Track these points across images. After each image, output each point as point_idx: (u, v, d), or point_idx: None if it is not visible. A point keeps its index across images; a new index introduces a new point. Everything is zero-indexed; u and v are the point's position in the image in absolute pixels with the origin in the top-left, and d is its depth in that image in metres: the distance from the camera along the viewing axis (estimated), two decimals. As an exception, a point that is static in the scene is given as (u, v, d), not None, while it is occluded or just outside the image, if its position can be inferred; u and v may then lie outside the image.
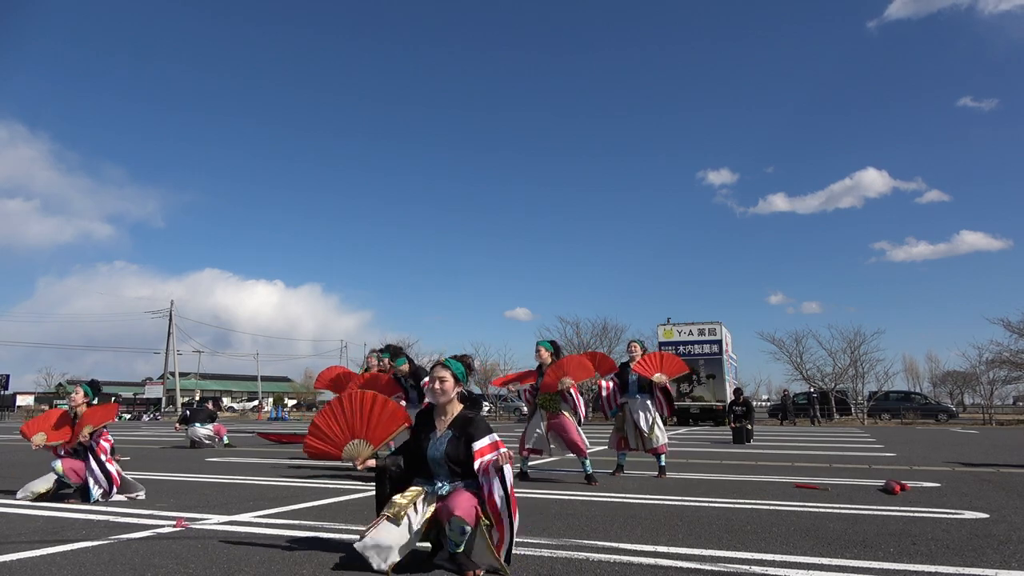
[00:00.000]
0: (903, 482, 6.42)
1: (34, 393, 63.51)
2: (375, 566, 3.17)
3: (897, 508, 5.21)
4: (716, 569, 3.30)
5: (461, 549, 3.24)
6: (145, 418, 45.51)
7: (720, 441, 15.20)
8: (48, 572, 3.33)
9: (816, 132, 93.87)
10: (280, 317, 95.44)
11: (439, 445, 3.45)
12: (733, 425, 14.90)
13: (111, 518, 4.89)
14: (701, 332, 27.63)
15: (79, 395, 6.24)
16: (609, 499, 5.75)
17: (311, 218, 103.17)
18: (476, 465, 3.31)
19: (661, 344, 28.10)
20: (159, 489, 6.63)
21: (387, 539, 3.20)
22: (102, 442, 6.08)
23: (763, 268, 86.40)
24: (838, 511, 5.09)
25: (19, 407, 55.01)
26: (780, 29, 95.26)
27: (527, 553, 3.65)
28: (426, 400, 3.75)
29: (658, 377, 7.41)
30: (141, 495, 6.02)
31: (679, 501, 5.63)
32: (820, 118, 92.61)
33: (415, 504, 3.36)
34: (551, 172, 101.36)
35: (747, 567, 3.34)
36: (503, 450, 3.33)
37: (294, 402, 62.51)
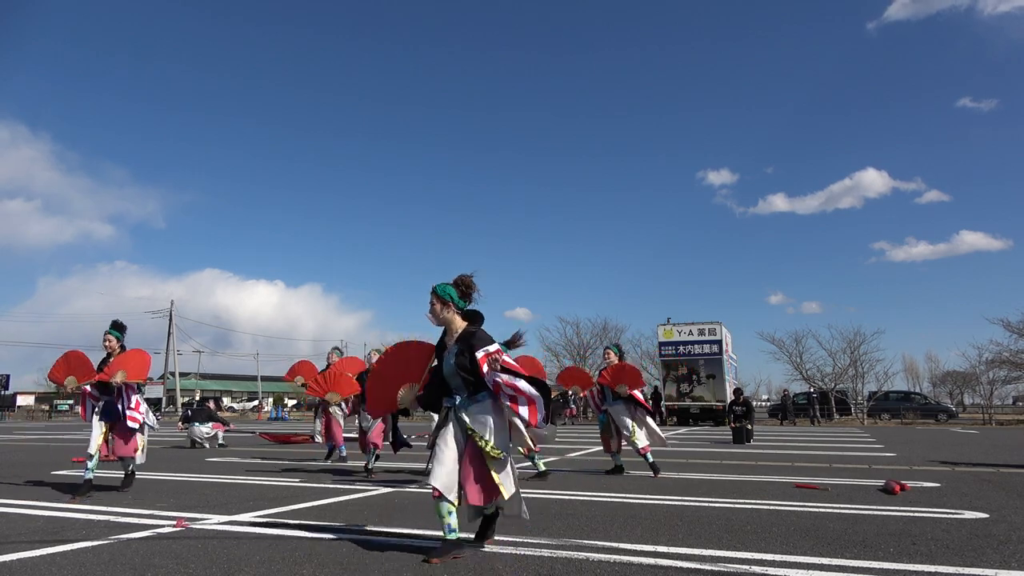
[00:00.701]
0: (903, 482, 6.42)
1: (35, 393, 63.43)
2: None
3: (897, 508, 5.22)
4: (716, 569, 3.30)
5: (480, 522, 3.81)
6: (145, 418, 45.48)
7: (720, 441, 15.20)
8: (48, 572, 3.34)
9: (816, 132, 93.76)
10: (280, 317, 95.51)
11: (450, 359, 3.81)
12: (733, 425, 14.89)
13: (111, 518, 4.90)
14: (701, 332, 27.61)
15: (113, 341, 6.62)
16: (609, 499, 5.75)
17: (311, 218, 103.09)
18: (484, 370, 3.65)
19: (661, 344, 28.10)
20: (159, 489, 6.63)
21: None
22: (135, 398, 6.48)
23: (763, 268, 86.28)
24: (838, 511, 5.09)
25: (19, 407, 55.01)
26: (780, 29, 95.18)
27: (527, 553, 3.65)
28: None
29: (620, 388, 7.66)
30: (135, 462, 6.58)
31: (679, 501, 5.63)
32: (820, 118, 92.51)
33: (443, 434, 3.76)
34: (551, 172, 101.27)
35: (747, 567, 3.34)
36: (498, 356, 3.66)
37: (294, 402, 62.44)
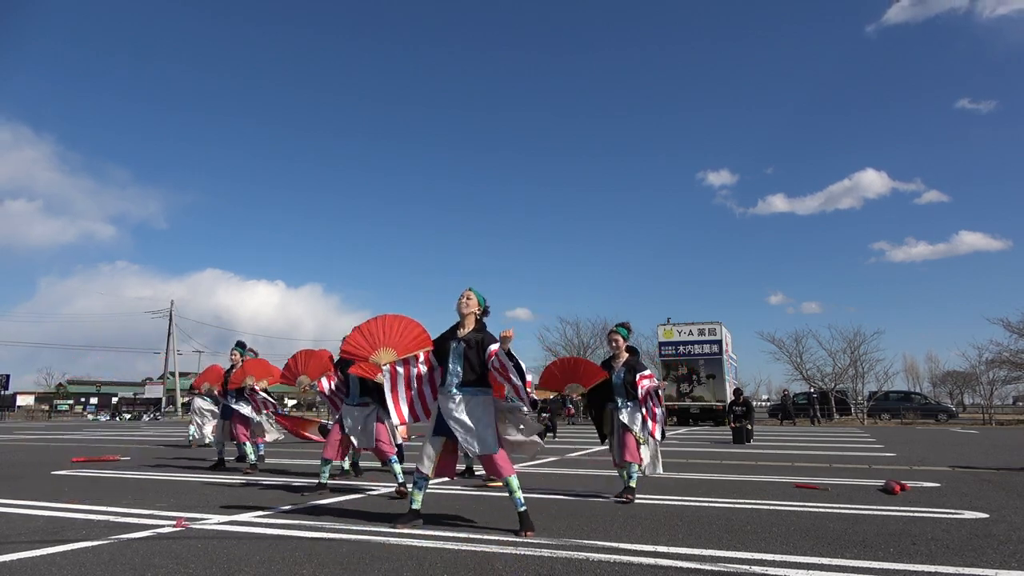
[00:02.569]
0: (903, 482, 6.42)
1: (34, 393, 63.45)
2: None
3: (897, 508, 5.22)
4: (716, 569, 3.30)
5: (633, 483, 5.68)
6: (145, 418, 45.53)
7: (720, 441, 15.20)
8: (48, 572, 3.33)
9: (816, 133, 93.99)
10: (280, 317, 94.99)
11: (619, 376, 5.88)
12: (733, 425, 14.90)
13: (111, 518, 4.89)
14: (701, 332, 27.60)
15: (236, 355, 8.96)
16: (609, 499, 5.75)
17: (311, 218, 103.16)
18: (639, 392, 5.74)
19: (661, 344, 28.08)
20: (159, 489, 6.63)
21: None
22: (259, 396, 8.55)
23: (763, 268, 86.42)
24: (838, 511, 5.09)
25: (19, 407, 55.01)
26: (780, 29, 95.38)
27: (527, 553, 3.65)
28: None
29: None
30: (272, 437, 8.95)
31: (679, 501, 5.63)
32: (820, 119, 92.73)
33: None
34: (551, 172, 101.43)
35: (747, 567, 3.34)
36: (648, 377, 5.90)
37: (294, 402, 62.49)
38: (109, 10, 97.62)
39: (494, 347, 4.42)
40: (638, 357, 6.08)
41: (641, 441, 5.75)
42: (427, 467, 4.50)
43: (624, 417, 5.79)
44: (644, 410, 5.78)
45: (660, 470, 6.03)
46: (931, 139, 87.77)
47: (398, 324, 4.82)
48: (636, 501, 5.62)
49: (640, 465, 5.76)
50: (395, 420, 4.78)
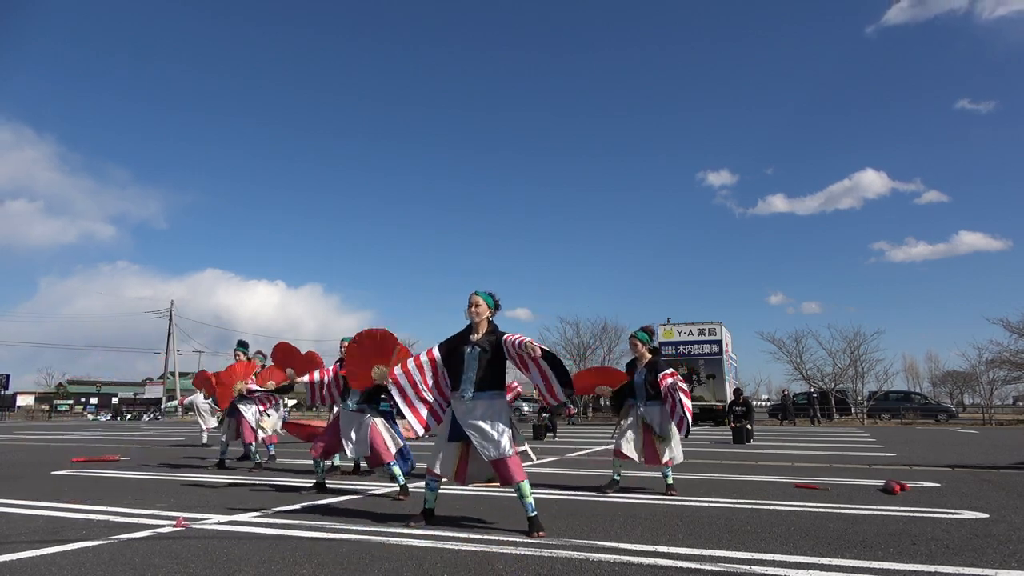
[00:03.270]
0: (903, 482, 6.42)
1: (35, 393, 63.47)
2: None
3: (897, 508, 5.22)
4: (716, 569, 3.30)
5: (670, 480, 6.13)
6: (145, 418, 45.54)
7: (720, 441, 15.20)
8: (48, 572, 3.34)
9: (815, 133, 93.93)
10: (280, 317, 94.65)
11: (641, 375, 6.20)
12: (733, 425, 14.90)
13: (111, 518, 4.89)
14: (701, 332, 27.59)
15: (240, 355, 8.85)
16: (609, 499, 5.75)
17: (311, 218, 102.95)
18: (664, 384, 5.99)
19: (661, 344, 28.07)
20: (159, 489, 6.63)
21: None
22: (258, 395, 8.67)
23: (763, 268, 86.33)
24: (838, 511, 5.09)
25: (19, 407, 55.00)
26: (780, 29, 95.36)
27: (527, 553, 3.65)
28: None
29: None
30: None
31: (679, 501, 5.63)
32: (820, 119, 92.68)
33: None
34: (551, 172, 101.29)
35: (747, 567, 3.34)
36: (671, 377, 6.04)
37: (294, 402, 62.45)
38: (109, 10, 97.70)
39: (510, 335, 4.42)
40: (660, 357, 6.43)
41: (659, 441, 6.07)
42: (440, 469, 4.50)
43: (645, 415, 6.17)
44: (666, 406, 6.04)
45: (679, 456, 6.24)
46: (931, 139, 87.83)
47: (370, 341, 5.30)
48: (636, 501, 5.62)
49: (669, 466, 6.10)
50: (419, 430, 4.54)
